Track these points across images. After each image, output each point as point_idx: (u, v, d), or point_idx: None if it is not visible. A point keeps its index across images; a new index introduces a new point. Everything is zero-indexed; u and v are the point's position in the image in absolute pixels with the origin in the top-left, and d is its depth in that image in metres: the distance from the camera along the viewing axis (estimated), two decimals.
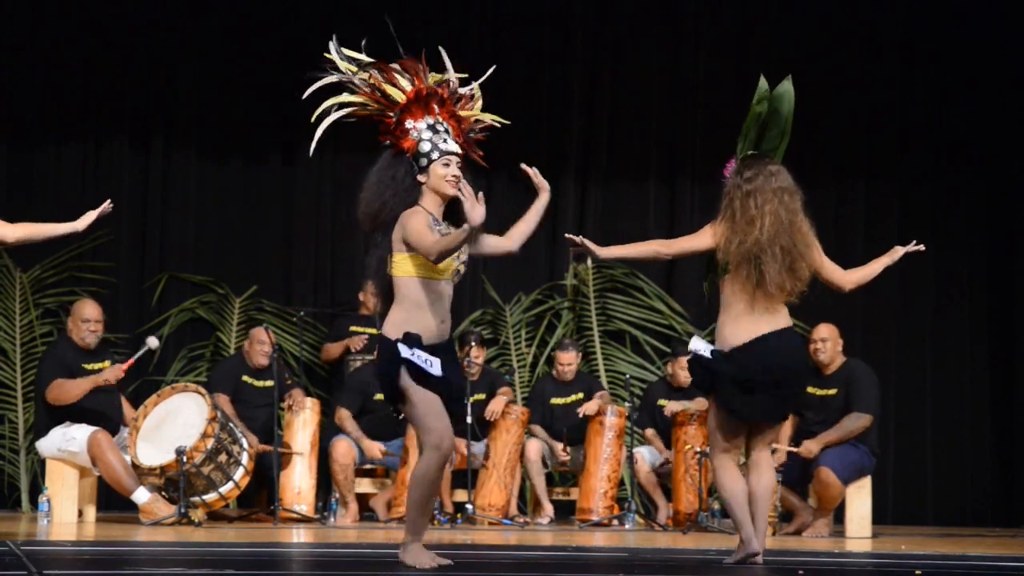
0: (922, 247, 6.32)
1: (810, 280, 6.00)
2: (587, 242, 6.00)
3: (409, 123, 5.36)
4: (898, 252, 6.28)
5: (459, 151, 5.35)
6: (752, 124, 6.08)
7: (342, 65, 5.42)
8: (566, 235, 6.19)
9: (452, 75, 5.47)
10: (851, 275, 6.19)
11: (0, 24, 10.74)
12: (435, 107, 5.39)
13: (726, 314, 5.96)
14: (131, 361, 8.91)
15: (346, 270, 11.01)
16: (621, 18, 11.63)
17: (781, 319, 5.95)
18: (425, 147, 5.31)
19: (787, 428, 9.00)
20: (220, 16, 11.02)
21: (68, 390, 8.76)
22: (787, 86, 6.04)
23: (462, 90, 5.52)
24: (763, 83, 6.04)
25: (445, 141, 5.33)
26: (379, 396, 9.48)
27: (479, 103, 5.55)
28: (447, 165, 5.30)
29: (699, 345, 6.01)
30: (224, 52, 11.03)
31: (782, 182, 5.98)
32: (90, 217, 6.79)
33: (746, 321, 5.91)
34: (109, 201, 6.90)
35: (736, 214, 5.94)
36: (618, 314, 11.37)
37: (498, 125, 5.59)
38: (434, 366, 5.17)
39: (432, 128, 5.35)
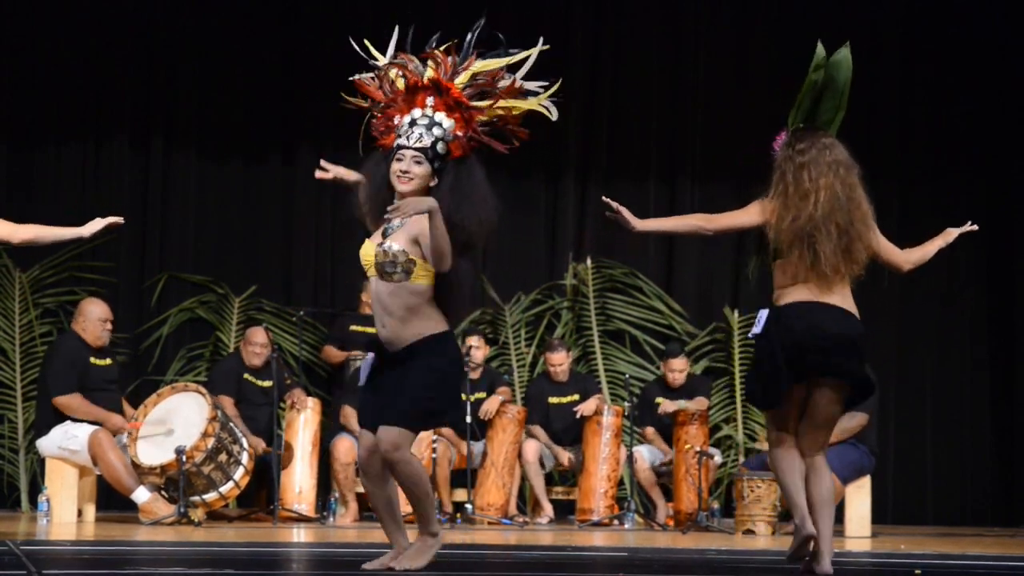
0: (976, 227, 5.96)
1: (867, 263, 5.53)
2: (623, 210, 5.55)
3: (396, 119, 5.15)
4: (952, 234, 5.91)
5: (416, 147, 5.05)
6: (807, 93, 5.64)
7: (379, 58, 5.24)
8: (604, 198, 5.70)
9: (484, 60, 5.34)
10: (910, 255, 5.77)
11: (0, 24, 10.75)
12: (426, 100, 5.12)
13: (778, 298, 5.49)
14: (139, 423, 8.86)
15: (346, 270, 11.00)
16: (621, 18, 11.63)
17: (843, 301, 5.45)
18: (396, 142, 5.11)
19: None
20: (220, 16, 11.01)
21: (77, 408, 8.80)
22: (845, 53, 5.60)
23: (503, 82, 5.38)
24: (820, 50, 5.57)
25: (409, 137, 5.07)
26: None
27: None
28: (399, 160, 5.06)
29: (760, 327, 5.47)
30: (224, 52, 11.03)
31: (837, 155, 5.55)
32: (97, 225, 6.69)
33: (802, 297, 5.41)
34: (121, 218, 6.72)
35: (789, 188, 5.45)
36: (617, 314, 11.36)
37: (511, 132, 5.35)
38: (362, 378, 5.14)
39: (412, 123, 5.10)
